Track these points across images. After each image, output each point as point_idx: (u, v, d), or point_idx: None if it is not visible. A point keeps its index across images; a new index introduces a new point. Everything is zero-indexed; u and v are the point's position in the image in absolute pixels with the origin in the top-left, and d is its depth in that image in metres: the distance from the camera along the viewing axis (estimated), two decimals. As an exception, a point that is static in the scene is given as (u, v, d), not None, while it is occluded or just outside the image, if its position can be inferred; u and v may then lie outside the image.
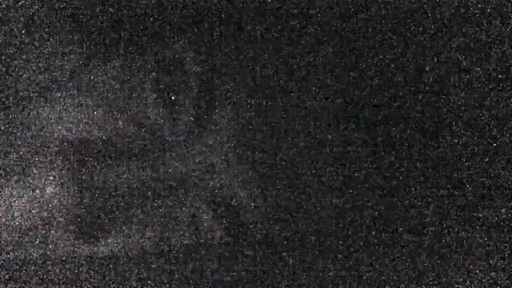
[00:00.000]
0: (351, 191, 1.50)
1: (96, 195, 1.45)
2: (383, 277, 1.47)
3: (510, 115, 1.50)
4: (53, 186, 1.45)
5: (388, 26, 1.50)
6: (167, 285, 1.43)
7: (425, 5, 1.50)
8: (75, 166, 1.45)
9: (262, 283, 1.46)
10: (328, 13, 1.50)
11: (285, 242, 1.49)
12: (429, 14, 1.50)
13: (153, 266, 1.44)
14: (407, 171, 1.50)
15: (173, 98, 1.45)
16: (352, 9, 1.50)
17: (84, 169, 1.45)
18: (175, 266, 1.45)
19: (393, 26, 1.50)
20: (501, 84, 1.50)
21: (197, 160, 1.47)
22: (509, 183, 1.50)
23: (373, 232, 1.49)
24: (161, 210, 1.46)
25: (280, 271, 1.47)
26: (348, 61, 1.50)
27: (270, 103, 1.49)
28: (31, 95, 1.46)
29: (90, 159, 1.46)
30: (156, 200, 1.46)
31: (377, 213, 1.49)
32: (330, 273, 1.47)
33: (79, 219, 1.44)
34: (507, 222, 1.49)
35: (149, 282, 1.43)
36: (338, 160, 1.50)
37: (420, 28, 1.50)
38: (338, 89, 1.50)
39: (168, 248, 1.45)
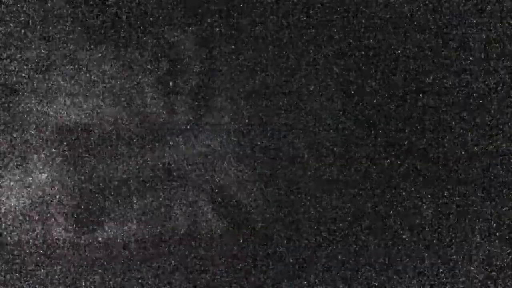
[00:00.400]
0: (351, 191, 1.50)
1: (95, 183, 1.46)
2: (383, 277, 1.47)
3: (510, 115, 1.50)
4: (52, 172, 1.46)
5: (389, 27, 1.50)
6: (165, 272, 1.44)
7: (425, 5, 1.50)
8: (74, 153, 1.46)
9: (262, 283, 1.46)
10: (328, 13, 1.50)
11: (285, 242, 1.49)
12: (429, 14, 1.50)
13: (151, 253, 1.44)
14: (407, 171, 1.50)
15: (170, 83, 1.45)
16: (352, 10, 1.50)
17: (84, 157, 1.46)
18: (172, 254, 1.45)
19: (393, 26, 1.50)
20: (501, 84, 1.50)
21: (195, 152, 1.47)
22: (509, 183, 1.49)
23: (373, 232, 1.49)
24: (159, 200, 1.47)
25: (280, 271, 1.47)
26: (348, 61, 1.50)
27: (269, 102, 1.49)
28: (31, 84, 1.46)
29: (90, 147, 1.46)
30: (154, 190, 1.47)
31: (377, 213, 1.49)
32: (330, 273, 1.47)
33: (77, 206, 1.45)
34: (507, 222, 1.49)
35: (147, 269, 1.43)
36: (338, 160, 1.50)
37: (420, 28, 1.50)
38: (338, 89, 1.50)
39: (166, 238, 1.46)
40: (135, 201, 1.47)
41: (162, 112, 1.48)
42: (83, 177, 1.46)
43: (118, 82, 1.47)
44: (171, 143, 1.47)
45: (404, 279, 1.47)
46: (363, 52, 1.50)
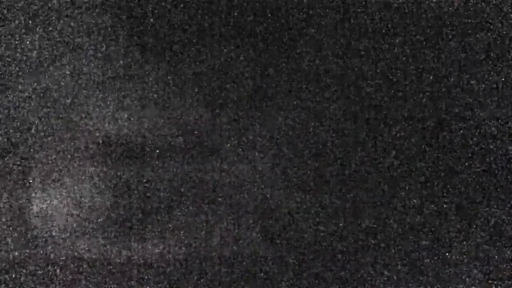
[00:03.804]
0: (351, 191, 1.50)
1: (131, 197, 1.46)
2: (383, 278, 1.47)
3: (510, 115, 1.50)
4: (89, 186, 1.46)
5: (388, 26, 1.50)
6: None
7: (425, 5, 1.50)
8: (110, 167, 1.46)
9: (262, 283, 1.47)
10: (328, 13, 1.50)
11: (285, 242, 1.49)
12: (430, 14, 1.50)
13: (188, 274, 1.44)
14: (407, 171, 1.50)
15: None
16: (352, 10, 1.49)
17: (120, 171, 1.46)
18: (213, 275, 1.45)
19: (393, 26, 1.50)
20: (501, 84, 1.50)
21: (240, 167, 1.47)
22: (509, 183, 1.49)
23: (373, 233, 1.49)
24: (198, 214, 1.47)
25: (280, 271, 1.47)
26: (348, 61, 1.50)
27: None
28: (71, 95, 1.47)
29: (126, 160, 1.46)
30: (193, 204, 1.47)
31: (376, 213, 1.49)
32: (330, 273, 1.47)
33: (113, 222, 1.45)
34: (507, 222, 1.49)
35: None
36: (338, 160, 1.50)
37: (420, 28, 1.50)
38: (338, 89, 1.50)
39: (206, 258, 1.46)
40: (174, 218, 1.46)
41: (207, 127, 1.47)
42: (120, 191, 1.46)
43: (165, 97, 1.46)
44: (214, 160, 1.47)
45: (404, 279, 1.47)
46: (363, 52, 1.50)
